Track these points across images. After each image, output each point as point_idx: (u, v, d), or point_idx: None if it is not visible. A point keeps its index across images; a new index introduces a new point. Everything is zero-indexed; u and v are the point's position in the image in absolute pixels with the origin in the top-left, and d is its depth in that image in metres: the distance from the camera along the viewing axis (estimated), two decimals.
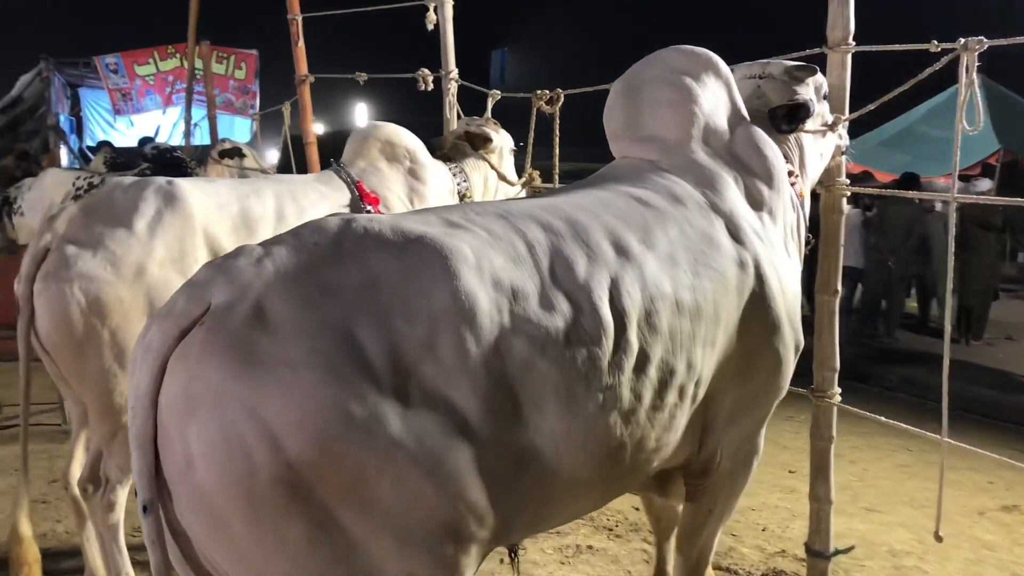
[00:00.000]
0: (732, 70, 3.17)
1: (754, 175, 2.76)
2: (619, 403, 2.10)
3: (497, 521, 1.90)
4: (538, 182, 4.79)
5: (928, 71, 3.10)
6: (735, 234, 2.55)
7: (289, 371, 1.61)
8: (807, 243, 3.06)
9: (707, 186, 2.63)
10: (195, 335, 1.67)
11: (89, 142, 14.35)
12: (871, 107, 3.35)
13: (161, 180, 3.62)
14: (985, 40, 2.95)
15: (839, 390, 3.60)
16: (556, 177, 4.79)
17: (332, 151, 6.71)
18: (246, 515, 1.63)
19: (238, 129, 13.77)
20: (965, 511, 5.05)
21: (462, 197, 4.40)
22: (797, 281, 2.82)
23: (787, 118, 2.99)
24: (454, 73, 5.45)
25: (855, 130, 3.00)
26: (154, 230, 3.35)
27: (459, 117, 5.44)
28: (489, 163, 4.63)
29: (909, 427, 3.38)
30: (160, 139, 13.01)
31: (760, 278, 2.53)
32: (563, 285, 2.03)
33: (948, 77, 3.18)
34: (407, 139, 4.38)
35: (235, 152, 7.70)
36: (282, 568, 1.68)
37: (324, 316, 1.68)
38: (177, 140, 10.36)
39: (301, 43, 7.30)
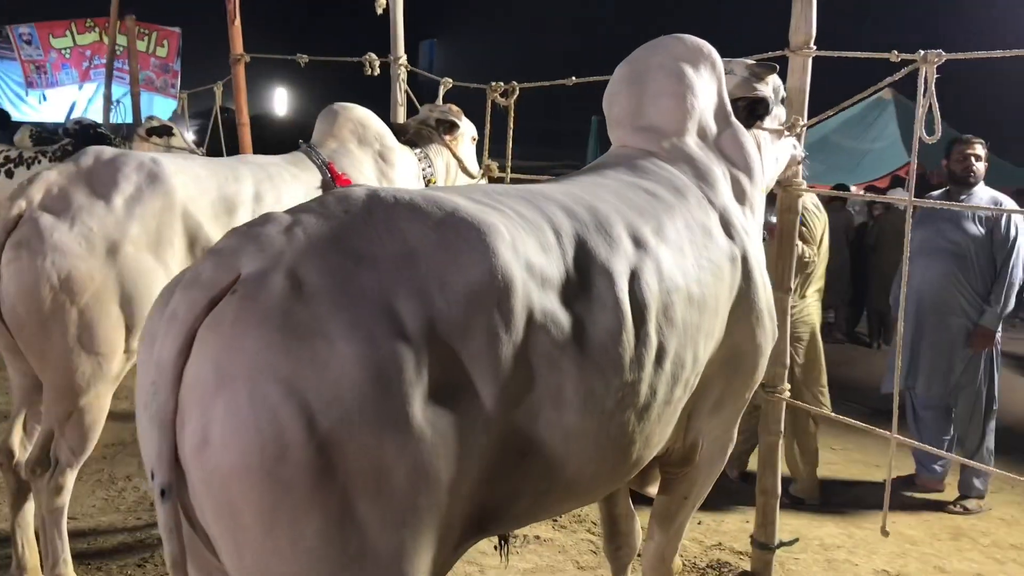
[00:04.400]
0: None
1: (739, 169, 2.79)
2: (636, 399, 2.06)
3: (491, 509, 1.86)
4: (496, 173, 4.79)
5: (888, 80, 3.20)
6: (727, 229, 2.57)
7: (326, 344, 1.51)
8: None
9: (702, 180, 2.65)
10: (227, 304, 1.56)
11: None
12: (830, 113, 3.44)
13: (145, 156, 3.50)
14: (943, 53, 3.05)
15: (788, 386, 3.70)
16: (508, 170, 4.80)
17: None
18: (263, 502, 1.50)
19: (158, 108, 13.35)
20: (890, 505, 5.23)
21: (427, 182, 4.38)
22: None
23: (746, 111, 3.01)
24: (403, 59, 5.41)
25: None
26: (132, 208, 3.24)
27: (408, 103, 5.41)
28: (452, 150, 4.59)
29: (858, 423, 3.48)
30: (75, 115, 12.52)
31: (747, 273, 2.56)
32: (587, 276, 1.97)
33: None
34: (376, 122, 4.35)
35: (163, 130, 7.47)
36: (291, 571, 1.54)
37: (361, 287, 1.59)
38: (95, 117, 9.95)
39: (238, 21, 7.13)
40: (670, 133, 2.72)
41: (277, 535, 1.52)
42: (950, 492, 5.49)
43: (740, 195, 2.77)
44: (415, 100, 5.33)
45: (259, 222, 1.75)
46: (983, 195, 5.26)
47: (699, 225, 2.47)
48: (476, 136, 4.81)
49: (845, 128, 15.33)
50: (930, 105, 3.07)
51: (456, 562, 1.90)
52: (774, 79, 3.20)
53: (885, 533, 3.36)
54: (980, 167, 5.24)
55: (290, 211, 1.79)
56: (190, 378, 1.54)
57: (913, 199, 3.22)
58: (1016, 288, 5.21)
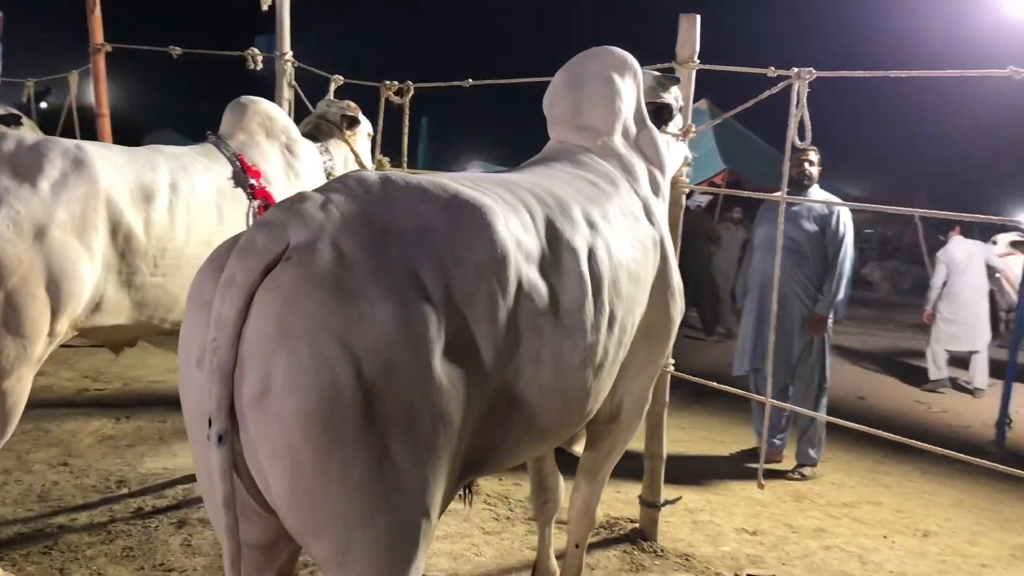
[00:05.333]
0: None
1: (653, 164, 3.19)
2: (593, 359, 2.40)
3: (480, 453, 2.13)
4: (388, 168, 5.00)
5: (766, 93, 3.69)
6: (649, 216, 2.95)
7: (369, 305, 1.74)
8: None
9: (629, 173, 3.03)
10: (283, 270, 1.75)
11: None
12: (716, 121, 3.91)
13: (69, 142, 3.50)
14: (814, 71, 3.57)
15: (673, 360, 4.14)
16: (404, 165, 5.03)
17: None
18: (318, 443, 1.69)
19: None
20: (738, 474, 5.85)
21: (328, 175, 4.51)
22: None
23: (653, 115, 3.41)
24: (290, 55, 5.51)
25: None
26: (58, 193, 3.26)
27: (295, 99, 5.52)
28: (350, 145, 4.76)
29: (739, 391, 3.96)
30: None
31: (664, 254, 2.96)
32: (557, 252, 2.28)
33: None
34: (282, 116, 4.45)
35: (11, 119, 7.11)
36: (338, 504, 1.75)
37: (391, 257, 1.83)
38: None
39: (98, 11, 6.98)
40: (603, 132, 3.09)
41: (328, 472, 1.73)
42: (787, 463, 6.17)
43: (655, 187, 3.16)
44: (304, 96, 5.44)
45: (297, 199, 1.94)
46: (817, 196, 5.95)
47: (630, 212, 2.84)
48: (372, 132, 5.00)
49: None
50: (802, 115, 3.59)
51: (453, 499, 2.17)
52: (676, 90, 3.62)
53: (761, 486, 3.86)
54: (814, 171, 5.94)
55: (318, 190, 1.99)
56: (251, 335, 1.73)
57: (786, 196, 3.73)
58: (845, 279, 5.94)
